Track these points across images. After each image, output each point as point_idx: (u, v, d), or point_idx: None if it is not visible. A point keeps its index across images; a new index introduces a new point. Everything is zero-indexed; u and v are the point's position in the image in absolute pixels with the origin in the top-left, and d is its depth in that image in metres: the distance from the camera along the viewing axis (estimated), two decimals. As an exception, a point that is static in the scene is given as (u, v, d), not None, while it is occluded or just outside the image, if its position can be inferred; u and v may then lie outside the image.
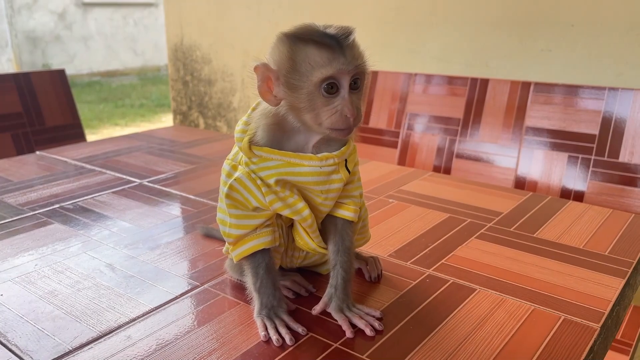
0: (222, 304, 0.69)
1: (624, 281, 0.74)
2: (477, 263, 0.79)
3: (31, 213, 0.99)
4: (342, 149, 0.65)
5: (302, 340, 0.62)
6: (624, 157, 1.26)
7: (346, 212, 0.68)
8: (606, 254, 0.82)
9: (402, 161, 1.55)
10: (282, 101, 0.60)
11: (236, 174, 0.65)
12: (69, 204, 1.03)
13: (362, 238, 0.76)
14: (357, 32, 0.59)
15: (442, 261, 0.79)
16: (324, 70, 0.57)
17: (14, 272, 0.78)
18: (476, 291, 0.71)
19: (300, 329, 0.63)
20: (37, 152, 1.41)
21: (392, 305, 0.68)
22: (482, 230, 0.90)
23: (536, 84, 1.39)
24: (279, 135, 0.63)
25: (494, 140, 1.43)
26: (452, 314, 0.66)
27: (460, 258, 0.80)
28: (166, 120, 5.66)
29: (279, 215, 0.68)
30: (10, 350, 0.61)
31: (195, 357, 0.59)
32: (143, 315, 0.67)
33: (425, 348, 0.60)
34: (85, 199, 1.05)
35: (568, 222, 0.94)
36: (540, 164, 1.36)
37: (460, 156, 1.47)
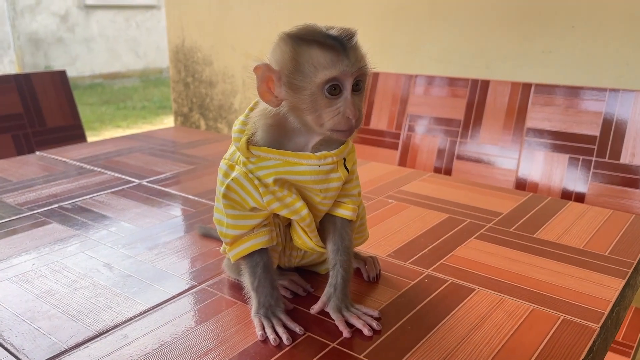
0: (220, 304, 0.69)
1: (624, 282, 0.73)
2: (476, 263, 0.78)
3: (29, 213, 0.99)
4: (340, 147, 0.65)
5: (299, 340, 0.61)
6: (625, 158, 1.25)
7: (345, 211, 0.68)
8: (606, 254, 0.81)
9: (402, 163, 1.54)
10: (283, 102, 0.60)
11: (233, 174, 0.64)
12: (67, 204, 1.03)
13: (360, 237, 0.76)
14: (358, 33, 0.59)
15: (441, 261, 0.79)
16: (327, 72, 0.56)
17: (11, 271, 0.78)
18: (475, 291, 0.71)
19: (297, 328, 0.63)
20: (37, 153, 1.41)
21: (390, 305, 0.68)
22: (481, 231, 0.90)
23: (537, 85, 1.39)
24: (279, 136, 0.63)
25: (495, 141, 1.42)
26: (451, 314, 0.66)
27: (459, 258, 0.80)
28: (168, 122, 5.67)
29: (276, 215, 0.68)
30: (5, 349, 0.60)
31: (191, 357, 0.58)
32: (140, 314, 0.67)
33: (423, 348, 0.59)
34: (84, 199, 1.05)
35: (568, 222, 0.93)
36: (541, 166, 1.35)
37: (461, 158, 1.47)
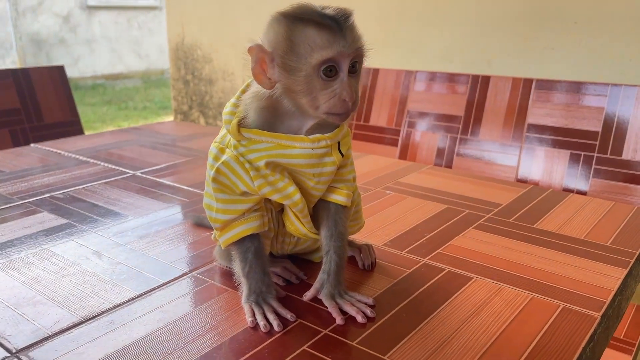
0: (210, 291, 0.67)
1: (626, 271, 0.71)
2: (474, 252, 0.77)
3: (20, 202, 0.97)
4: (335, 130, 0.63)
5: (290, 327, 0.59)
6: (627, 154, 1.23)
7: (339, 197, 0.66)
8: (608, 244, 0.79)
9: (402, 159, 1.52)
10: (276, 84, 0.58)
11: (223, 157, 0.62)
12: (59, 194, 1.01)
13: (355, 224, 0.74)
14: (354, 13, 0.57)
15: (438, 250, 0.77)
16: (324, 53, 0.54)
17: (-1, 258, 0.76)
18: (472, 280, 0.69)
19: (289, 315, 0.61)
20: (32, 145, 1.39)
21: (385, 292, 0.66)
22: (480, 221, 0.88)
23: (538, 81, 1.37)
24: (272, 119, 0.61)
25: (496, 138, 1.40)
26: (447, 302, 0.64)
27: (456, 247, 0.78)
28: (169, 123, 5.65)
29: (268, 200, 0.66)
30: (-13, 334, 0.59)
31: (178, 343, 0.56)
32: (128, 301, 0.65)
33: (418, 335, 0.57)
34: (77, 189, 1.04)
35: (569, 213, 0.91)
36: (542, 162, 1.33)
37: (461, 154, 1.45)
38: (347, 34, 0.55)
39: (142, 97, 7.05)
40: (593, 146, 1.27)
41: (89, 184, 1.06)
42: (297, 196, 0.63)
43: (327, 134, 0.62)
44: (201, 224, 0.86)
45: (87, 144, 1.40)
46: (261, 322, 0.59)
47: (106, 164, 1.20)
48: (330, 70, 0.55)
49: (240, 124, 0.61)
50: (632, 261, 0.74)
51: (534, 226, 0.86)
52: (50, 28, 7.74)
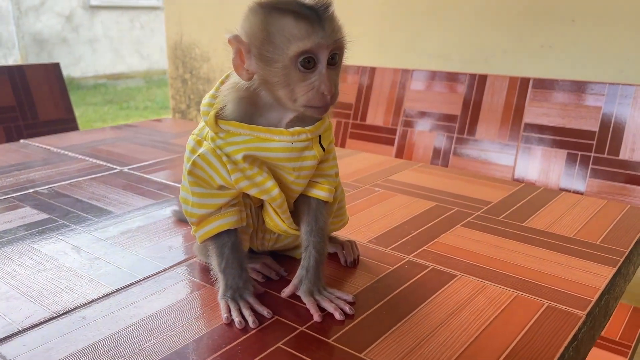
0: (187, 287, 0.65)
1: (614, 270, 0.69)
2: (460, 250, 0.75)
3: (3, 197, 0.96)
4: (316, 124, 0.61)
5: (266, 323, 0.58)
6: (624, 154, 1.21)
7: (320, 192, 0.65)
8: (598, 243, 0.78)
9: (399, 159, 1.51)
10: (254, 75, 0.56)
11: (200, 150, 0.61)
12: (43, 189, 1.00)
13: (339, 221, 0.73)
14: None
15: (424, 247, 0.75)
16: (301, 44, 0.53)
17: (-24, 253, 0.75)
18: (457, 277, 0.67)
19: (265, 311, 0.59)
20: (22, 141, 1.38)
21: (366, 289, 0.65)
22: (468, 219, 0.86)
23: (535, 79, 1.35)
24: (250, 111, 0.60)
25: (492, 137, 1.39)
26: (429, 300, 0.62)
27: (442, 245, 0.76)
28: (169, 122, 5.64)
29: (247, 195, 0.64)
30: (-45, 328, 0.57)
31: (149, 340, 0.55)
32: (102, 297, 0.63)
33: (396, 333, 0.56)
34: (61, 184, 1.02)
35: (560, 211, 0.89)
36: (539, 162, 1.32)
37: (457, 153, 1.43)
38: (325, 25, 0.54)
39: (144, 96, 7.04)
40: (590, 146, 1.25)
41: (74, 180, 1.05)
42: (276, 191, 0.62)
43: (307, 127, 0.60)
44: (183, 220, 0.85)
45: (77, 140, 1.39)
46: (236, 319, 0.58)
47: (94, 160, 1.19)
48: (308, 61, 0.54)
49: (218, 116, 0.60)
50: (622, 260, 0.72)
51: (524, 224, 0.84)
52: (52, 27, 7.74)
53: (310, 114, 0.57)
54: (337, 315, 0.59)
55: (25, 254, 0.74)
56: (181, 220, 0.86)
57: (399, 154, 1.50)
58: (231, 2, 2.51)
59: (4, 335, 0.56)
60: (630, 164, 1.20)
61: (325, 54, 0.54)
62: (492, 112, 1.40)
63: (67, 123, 1.90)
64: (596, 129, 1.25)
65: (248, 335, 0.56)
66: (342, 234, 0.78)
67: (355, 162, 1.18)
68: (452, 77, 1.47)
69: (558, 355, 0.52)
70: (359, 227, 0.82)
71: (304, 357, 0.52)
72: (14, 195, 0.97)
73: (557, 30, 1.66)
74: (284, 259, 0.72)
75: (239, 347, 0.54)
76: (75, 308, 0.61)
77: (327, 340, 0.55)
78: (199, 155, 0.61)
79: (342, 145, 1.58)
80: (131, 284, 0.66)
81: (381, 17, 1.98)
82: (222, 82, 0.62)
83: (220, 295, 0.61)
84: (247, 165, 0.60)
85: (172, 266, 0.71)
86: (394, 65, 1.63)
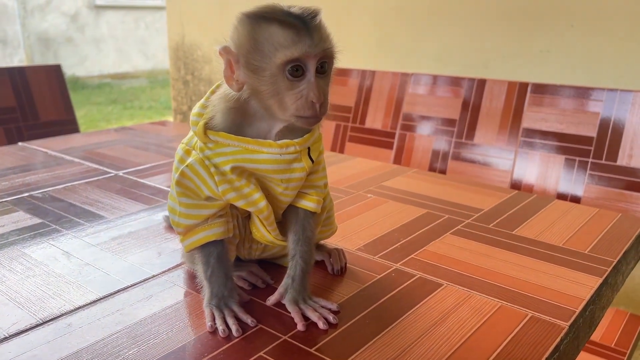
0: (174, 294, 0.66)
1: (601, 280, 0.70)
2: (448, 258, 0.75)
3: (-2, 201, 0.97)
4: (305, 136, 0.61)
5: (250, 332, 0.58)
6: (622, 160, 1.21)
7: (308, 203, 0.65)
8: (586, 252, 0.78)
9: (397, 163, 1.51)
10: (244, 85, 0.57)
11: (189, 160, 0.61)
12: (38, 193, 1.00)
13: (327, 230, 0.73)
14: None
15: (412, 256, 0.76)
16: (288, 52, 0.53)
17: (-33, 257, 0.75)
18: (442, 286, 0.68)
19: (249, 320, 0.60)
20: (20, 144, 1.39)
21: (351, 298, 0.65)
22: (458, 226, 0.86)
23: (534, 85, 1.35)
24: (240, 121, 0.60)
25: (491, 142, 1.39)
26: (413, 309, 0.62)
27: (431, 253, 0.77)
28: (173, 123, 5.65)
29: (234, 206, 0.64)
30: (-58, 335, 0.58)
31: (132, 347, 0.55)
32: (89, 303, 0.64)
33: (379, 343, 0.56)
34: (56, 189, 1.03)
35: (551, 219, 0.90)
36: (537, 167, 1.32)
37: (456, 158, 1.43)
38: (313, 33, 0.54)
39: (148, 96, 7.06)
40: (588, 151, 1.25)
41: (69, 184, 1.05)
42: (263, 203, 0.62)
43: (296, 140, 0.61)
44: (176, 226, 0.85)
45: (75, 143, 1.40)
46: (220, 327, 0.58)
47: (90, 164, 1.19)
48: (296, 70, 0.54)
49: (208, 126, 0.60)
50: (609, 270, 0.72)
51: (513, 232, 0.84)
52: (58, 27, 7.77)
53: (300, 125, 0.58)
54: (321, 325, 0.59)
55: (15, 259, 0.75)
56: (172, 226, 0.86)
57: (398, 158, 1.50)
58: (233, 5, 2.52)
59: (-10, 342, 0.57)
60: (628, 170, 1.20)
61: (313, 62, 0.55)
62: (491, 116, 1.40)
63: (67, 124, 1.91)
64: (594, 134, 1.24)
65: (231, 343, 0.56)
66: (331, 240, 0.79)
67: (349, 167, 1.18)
68: (451, 82, 1.47)
69: (538, 367, 0.53)
70: (349, 235, 0.83)
71: (285, 367, 0.52)
72: (8, 199, 0.97)
73: (556, 35, 1.65)
74: (271, 266, 0.72)
75: (222, 356, 0.54)
76: (62, 315, 0.62)
77: (309, 349, 0.55)
78: (187, 166, 0.61)
79: (341, 148, 1.59)
80: (118, 291, 0.67)
81: (381, 21, 1.98)
82: (213, 92, 0.63)
83: (205, 303, 0.62)
84: (235, 176, 0.60)
85: (160, 273, 0.71)
86: (393, 69, 1.63)
